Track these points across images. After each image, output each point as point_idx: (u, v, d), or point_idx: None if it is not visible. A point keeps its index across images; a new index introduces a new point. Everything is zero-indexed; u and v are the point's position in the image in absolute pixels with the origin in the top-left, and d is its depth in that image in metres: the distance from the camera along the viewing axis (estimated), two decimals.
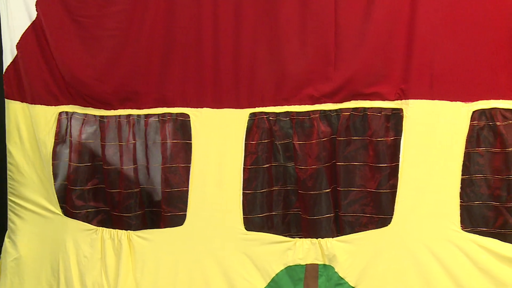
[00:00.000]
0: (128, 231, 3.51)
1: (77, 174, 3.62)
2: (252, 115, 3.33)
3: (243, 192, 3.33)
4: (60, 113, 3.60)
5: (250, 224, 3.34)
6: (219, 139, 3.35)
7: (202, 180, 3.37)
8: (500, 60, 3.01)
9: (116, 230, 3.52)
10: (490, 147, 3.08)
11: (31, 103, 3.62)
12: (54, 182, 3.61)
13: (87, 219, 3.62)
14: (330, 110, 3.26)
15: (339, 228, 3.31)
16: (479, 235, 3.05)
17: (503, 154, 3.05)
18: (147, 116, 3.49)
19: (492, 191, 3.09)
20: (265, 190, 3.38)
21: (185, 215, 3.40)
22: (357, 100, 3.21)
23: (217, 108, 3.37)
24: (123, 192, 3.55)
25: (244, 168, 3.34)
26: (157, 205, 3.55)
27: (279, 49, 3.26)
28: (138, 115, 3.50)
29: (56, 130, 3.59)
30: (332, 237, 3.24)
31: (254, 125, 3.34)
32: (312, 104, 3.26)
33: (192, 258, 3.36)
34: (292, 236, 3.34)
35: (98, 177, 3.64)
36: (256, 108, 3.32)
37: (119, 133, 3.54)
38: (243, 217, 3.32)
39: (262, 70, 3.30)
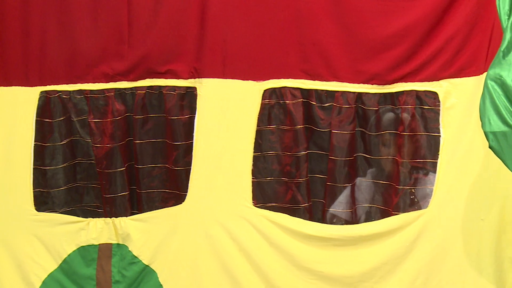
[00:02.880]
0: None
1: None
2: (44, 93, 3.25)
3: (44, 169, 3.26)
4: None
5: (53, 199, 3.30)
6: (7, 117, 3.25)
7: None
8: (289, 40, 3.08)
9: None
10: (281, 124, 3.15)
11: None
12: None
13: None
14: (125, 89, 3.23)
15: (138, 205, 3.31)
16: (270, 210, 3.12)
17: (293, 131, 3.14)
18: None
19: (283, 167, 3.17)
20: (66, 164, 3.32)
21: None
22: (152, 78, 3.20)
23: (5, 86, 3.26)
24: None
25: (42, 145, 3.25)
26: None
27: (70, 26, 3.20)
28: None
29: None
30: (126, 216, 3.24)
31: (47, 103, 3.26)
32: (106, 82, 3.22)
33: None
34: (96, 208, 3.32)
35: None
36: (48, 86, 3.24)
37: None
38: (46, 193, 3.26)
39: (52, 48, 3.23)
